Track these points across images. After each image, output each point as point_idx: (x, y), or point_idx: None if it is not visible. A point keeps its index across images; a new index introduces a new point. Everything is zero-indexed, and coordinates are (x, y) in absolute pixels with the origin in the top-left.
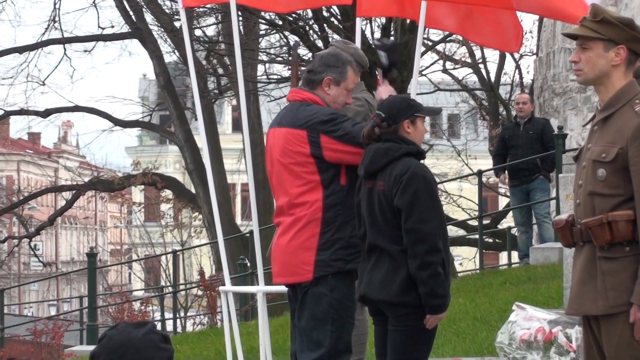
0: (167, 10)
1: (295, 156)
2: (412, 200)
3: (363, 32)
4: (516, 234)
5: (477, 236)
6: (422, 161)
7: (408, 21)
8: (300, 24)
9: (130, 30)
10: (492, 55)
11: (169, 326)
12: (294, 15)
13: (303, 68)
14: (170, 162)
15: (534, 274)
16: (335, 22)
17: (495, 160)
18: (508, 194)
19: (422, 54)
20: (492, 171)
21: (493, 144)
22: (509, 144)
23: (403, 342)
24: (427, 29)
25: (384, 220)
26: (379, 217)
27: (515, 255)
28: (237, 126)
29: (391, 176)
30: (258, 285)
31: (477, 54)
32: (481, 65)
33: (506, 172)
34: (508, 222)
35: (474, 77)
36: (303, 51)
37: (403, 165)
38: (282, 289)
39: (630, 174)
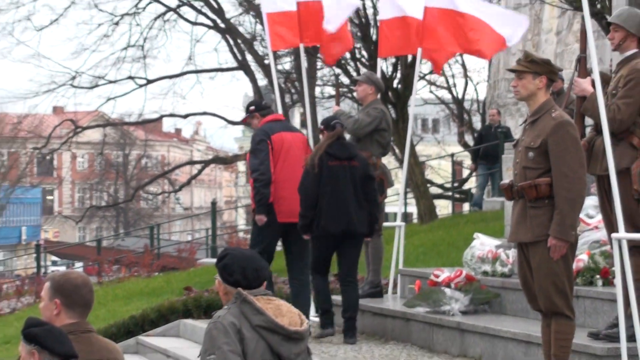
0: (260, 53)
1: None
2: None
3: (380, 67)
4: (473, 191)
5: (450, 193)
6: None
7: (409, 59)
8: (342, 62)
9: (237, 65)
10: (460, 81)
11: None
12: None
13: (343, 89)
14: None
15: (485, 217)
16: (364, 60)
17: (473, 153)
18: (469, 168)
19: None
20: (470, 158)
21: (461, 137)
22: (484, 139)
23: None
24: (422, 63)
25: (356, 192)
26: (359, 189)
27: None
28: (303, 124)
29: (361, 158)
30: None
31: (451, 80)
32: (453, 88)
33: (476, 162)
34: (469, 184)
35: (449, 95)
36: (343, 79)
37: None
38: None
39: (548, 155)
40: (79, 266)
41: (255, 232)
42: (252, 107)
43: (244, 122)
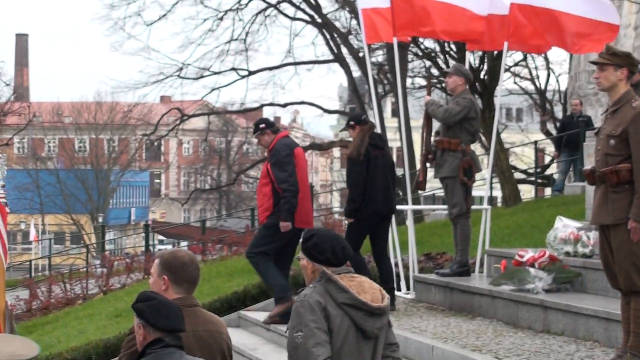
0: (355, 46)
1: None
2: None
3: (469, 59)
4: (555, 176)
5: (533, 178)
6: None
7: (495, 52)
8: (432, 55)
9: (333, 57)
10: (542, 72)
11: None
12: (428, 49)
13: (433, 80)
14: None
15: (566, 200)
16: (452, 53)
17: (556, 141)
18: (551, 155)
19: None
20: (554, 146)
21: (544, 126)
22: (566, 128)
23: None
24: (508, 56)
25: (390, 176)
26: (389, 173)
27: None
28: (394, 113)
29: (386, 148)
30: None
31: (534, 72)
32: (536, 80)
33: (559, 149)
34: (550, 170)
35: (532, 86)
36: (433, 71)
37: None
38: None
39: (629, 143)
40: (184, 245)
41: (267, 233)
42: (263, 125)
43: (256, 137)
